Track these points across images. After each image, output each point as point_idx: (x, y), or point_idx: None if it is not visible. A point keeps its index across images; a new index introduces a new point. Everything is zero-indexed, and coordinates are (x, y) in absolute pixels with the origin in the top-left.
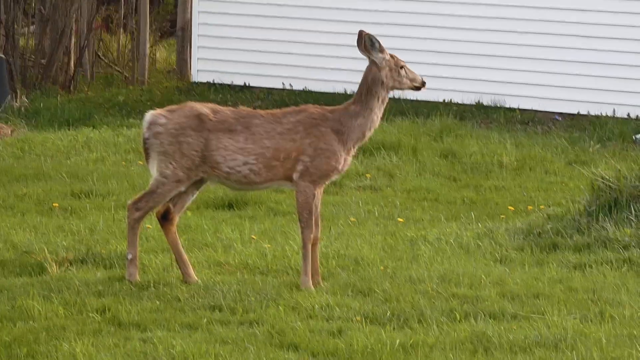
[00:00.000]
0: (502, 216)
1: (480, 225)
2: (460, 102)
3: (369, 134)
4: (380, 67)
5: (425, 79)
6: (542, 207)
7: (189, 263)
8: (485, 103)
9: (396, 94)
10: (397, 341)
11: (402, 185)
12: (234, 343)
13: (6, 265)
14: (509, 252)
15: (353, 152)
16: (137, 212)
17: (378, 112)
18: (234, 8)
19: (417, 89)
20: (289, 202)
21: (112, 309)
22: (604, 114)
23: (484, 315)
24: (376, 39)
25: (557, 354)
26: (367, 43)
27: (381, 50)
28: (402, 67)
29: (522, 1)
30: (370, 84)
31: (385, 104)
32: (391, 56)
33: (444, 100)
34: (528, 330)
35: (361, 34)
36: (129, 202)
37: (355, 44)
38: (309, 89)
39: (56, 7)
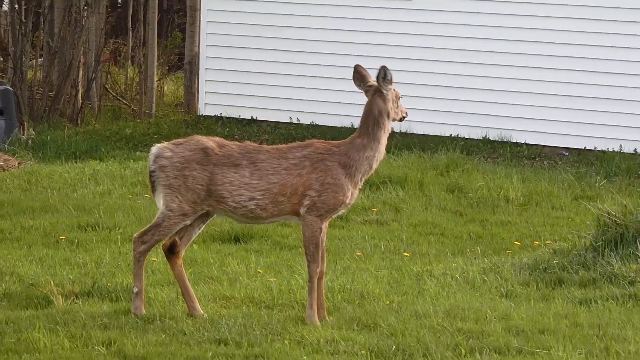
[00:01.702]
0: (508, 251)
1: (486, 260)
2: (467, 136)
3: (375, 166)
4: (386, 100)
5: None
6: (548, 242)
7: (194, 296)
8: (492, 138)
9: (402, 128)
10: None
11: (409, 220)
12: None
13: (12, 297)
14: (515, 287)
15: (360, 185)
16: (143, 245)
17: (384, 143)
18: (242, 42)
19: (402, 119)
20: (295, 236)
21: (117, 342)
22: (610, 150)
23: (489, 350)
24: (390, 72)
25: None
26: (381, 75)
27: (390, 82)
28: (399, 98)
29: (530, 36)
30: (377, 116)
31: (388, 134)
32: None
33: (451, 135)
34: None
35: (356, 69)
36: (135, 235)
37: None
38: (316, 122)
39: (64, 39)
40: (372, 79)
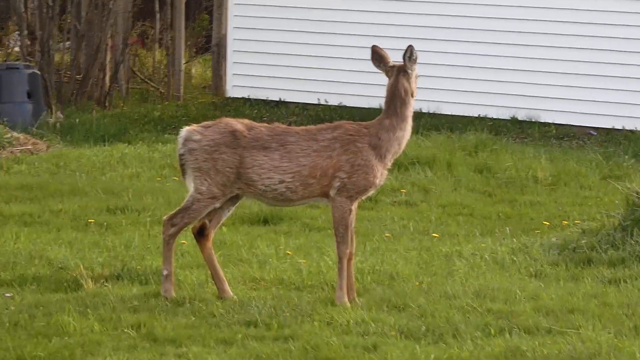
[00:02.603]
0: (537, 231)
1: (515, 240)
2: (495, 117)
3: (404, 146)
4: (410, 79)
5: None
6: (576, 222)
7: (224, 279)
8: (520, 118)
9: (431, 108)
10: (432, 356)
11: (437, 201)
12: (268, 358)
13: (42, 281)
14: (544, 267)
15: (389, 165)
16: (173, 228)
17: (411, 122)
18: (269, 24)
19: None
20: (325, 218)
21: (147, 324)
22: (638, 129)
23: (519, 330)
24: (415, 52)
25: None
26: (407, 54)
27: (415, 62)
28: (417, 77)
29: (558, 16)
30: (403, 96)
31: (412, 113)
32: None
33: (479, 115)
34: (562, 345)
35: (374, 49)
36: (165, 218)
37: (393, 58)
38: (344, 104)
39: (91, 22)
40: (391, 59)
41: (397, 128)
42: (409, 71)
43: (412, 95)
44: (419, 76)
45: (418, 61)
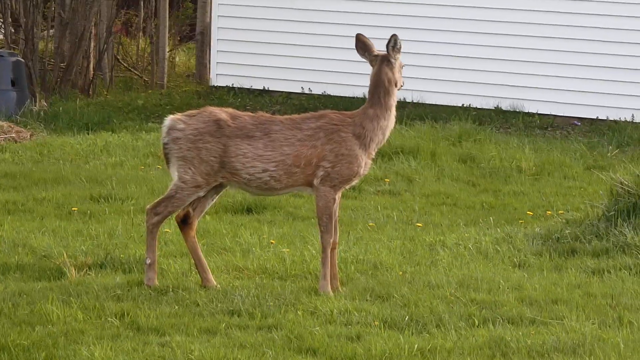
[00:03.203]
0: (520, 221)
1: (499, 230)
2: (479, 106)
3: (388, 135)
4: (394, 68)
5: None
6: (560, 212)
7: (207, 268)
8: (504, 108)
9: (415, 97)
10: (416, 346)
11: (421, 190)
12: (252, 348)
13: (25, 269)
14: (528, 257)
15: (373, 155)
16: (156, 217)
17: (394, 112)
18: (254, 12)
19: (400, 88)
20: (308, 207)
21: (130, 313)
22: (622, 119)
23: (502, 321)
24: (400, 41)
25: (575, 359)
26: (391, 44)
27: (399, 52)
28: (402, 67)
29: (542, 6)
30: (387, 85)
31: (395, 103)
32: None
33: (463, 105)
34: (546, 336)
35: (358, 37)
36: (148, 206)
37: (378, 47)
38: (328, 93)
39: (75, 10)
40: (376, 48)
41: (381, 117)
42: (393, 60)
43: (395, 85)
44: (404, 66)
45: (402, 50)
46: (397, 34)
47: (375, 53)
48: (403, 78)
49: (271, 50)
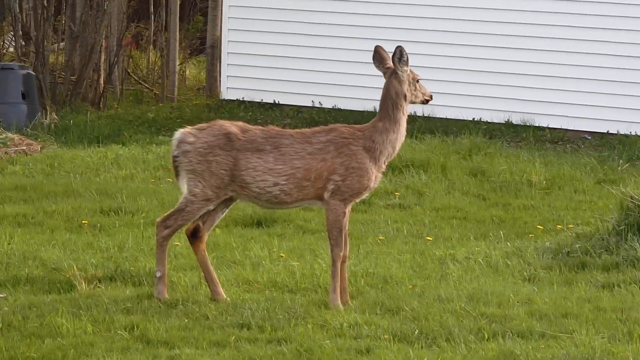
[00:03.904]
0: (530, 235)
1: (509, 244)
2: (489, 120)
3: (398, 149)
4: (402, 81)
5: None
6: (570, 226)
7: (217, 281)
8: (514, 122)
9: (425, 111)
10: (425, 359)
11: (431, 204)
12: None
13: (35, 282)
14: (538, 271)
15: (383, 168)
16: (166, 230)
17: (405, 125)
18: (264, 26)
19: (427, 102)
20: (318, 220)
21: (140, 326)
22: (633, 133)
23: (512, 335)
24: (406, 53)
25: None
26: (396, 56)
27: (407, 64)
28: (417, 80)
29: (552, 20)
30: (394, 98)
31: (406, 116)
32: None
33: (474, 119)
34: (556, 350)
35: (376, 50)
36: (158, 219)
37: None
38: (339, 107)
39: (86, 24)
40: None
41: (390, 131)
42: (400, 73)
43: (405, 98)
44: (419, 79)
45: (412, 64)
46: (402, 46)
47: (388, 66)
48: (431, 92)
49: (282, 64)
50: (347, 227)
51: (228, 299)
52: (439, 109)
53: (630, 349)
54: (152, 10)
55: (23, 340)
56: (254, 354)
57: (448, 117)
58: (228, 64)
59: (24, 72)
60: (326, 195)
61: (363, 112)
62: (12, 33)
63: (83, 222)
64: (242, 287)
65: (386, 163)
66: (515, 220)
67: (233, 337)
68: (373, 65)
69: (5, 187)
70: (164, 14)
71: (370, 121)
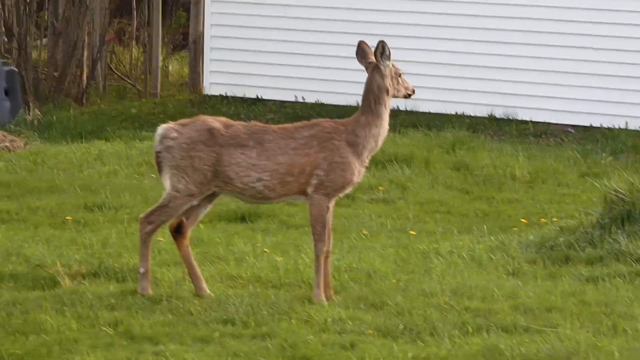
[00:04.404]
0: (514, 229)
1: (492, 238)
2: (472, 114)
3: (380, 143)
4: (384, 76)
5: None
6: (554, 219)
7: (201, 276)
8: (497, 115)
9: (408, 105)
10: (410, 354)
11: (415, 198)
12: (246, 356)
13: (19, 278)
14: (522, 265)
15: (366, 163)
16: (150, 226)
17: (387, 119)
18: (247, 21)
19: (409, 96)
20: (302, 215)
21: (124, 322)
22: (616, 127)
23: (497, 329)
24: (388, 47)
25: None
26: (379, 50)
27: (389, 58)
28: (400, 75)
29: (535, 14)
30: (377, 93)
31: (389, 111)
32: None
33: (457, 113)
34: (540, 344)
35: (360, 44)
36: (141, 215)
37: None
38: (321, 101)
39: (68, 20)
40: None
41: (373, 125)
42: (382, 67)
43: (387, 93)
44: (401, 74)
45: (395, 58)
46: (384, 40)
47: (370, 60)
48: (413, 86)
49: (264, 59)
50: (330, 222)
51: (212, 294)
52: (422, 103)
53: (615, 343)
54: (135, 5)
55: (7, 337)
56: (238, 349)
57: (431, 111)
58: (211, 59)
59: (7, 68)
60: (310, 190)
61: (346, 106)
62: None
63: (67, 218)
64: (225, 283)
65: (369, 157)
66: (499, 214)
67: (217, 333)
68: (356, 60)
69: None
70: (147, 10)
71: (353, 115)
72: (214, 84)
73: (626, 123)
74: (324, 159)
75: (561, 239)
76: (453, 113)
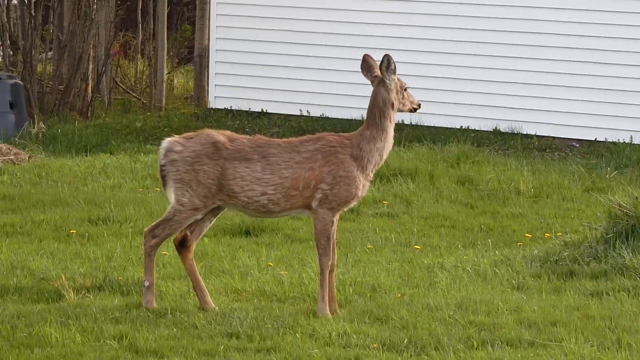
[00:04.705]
0: (519, 243)
1: (497, 252)
2: (477, 128)
3: (385, 157)
4: (389, 90)
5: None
6: (559, 234)
7: (206, 290)
8: (502, 129)
9: (413, 119)
10: None
11: (419, 212)
12: None
13: (23, 291)
14: (526, 279)
15: (371, 177)
16: (154, 239)
17: (392, 133)
18: (252, 35)
19: (415, 110)
20: (306, 229)
21: (129, 336)
22: (621, 141)
23: (501, 343)
24: (393, 61)
25: None
26: (384, 64)
27: (394, 72)
28: (405, 89)
29: (540, 28)
30: (382, 107)
31: (394, 125)
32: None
33: (461, 127)
34: (545, 358)
35: (365, 58)
36: (146, 229)
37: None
38: (326, 115)
39: (74, 33)
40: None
41: (377, 139)
42: (388, 81)
43: (392, 107)
44: (407, 88)
45: (400, 72)
46: (389, 54)
47: (375, 74)
48: (419, 100)
49: (269, 73)
50: (335, 236)
51: (217, 308)
52: (426, 117)
53: (619, 357)
54: (140, 19)
55: (12, 350)
56: None
57: (436, 125)
58: (216, 73)
59: (12, 81)
60: (314, 204)
61: (351, 120)
62: None
63: (71, 231)
64: (230, 296)
65: (374, 171)
66: (504, 229)
67: (222, 347)
68: (361, 74)
69: None
70: (152, 23)
71: (358, 130)
72: (219, 97)
73: (631, 137)
74: (328, 173)
75: (566, 254)
76: (458, 127)
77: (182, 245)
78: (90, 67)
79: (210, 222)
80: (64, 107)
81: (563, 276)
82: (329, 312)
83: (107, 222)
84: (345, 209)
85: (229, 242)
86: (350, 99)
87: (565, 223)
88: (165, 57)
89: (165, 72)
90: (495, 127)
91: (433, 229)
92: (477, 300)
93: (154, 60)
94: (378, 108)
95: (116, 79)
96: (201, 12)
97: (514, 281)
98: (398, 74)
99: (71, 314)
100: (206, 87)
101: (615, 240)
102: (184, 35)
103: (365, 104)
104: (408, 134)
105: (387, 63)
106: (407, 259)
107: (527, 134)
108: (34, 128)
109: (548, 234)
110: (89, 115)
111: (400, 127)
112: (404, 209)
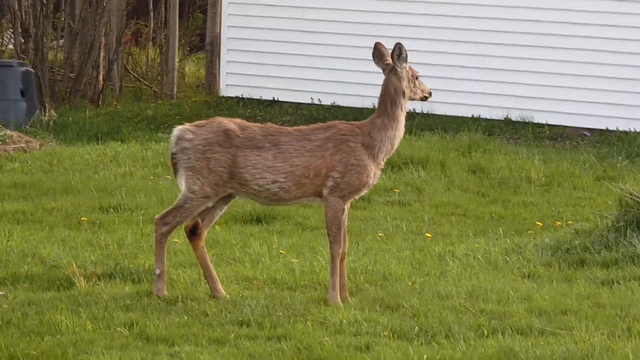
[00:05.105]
0: (530, 232)
1: (508, 240)
2: (488, 117)
3: (396, 145)
4: (401, 78)
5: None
6: (570, 222)
7: (217, 278)
8: (513, 118)
9: (424, 108)
10: (425, 356)
11: (430, 201)
12: (261, 358)
13: (34, 279)
14: (537, 267)
15: (382, 165)
16: (165, 227)
17: (403, 122)
18: (264, 23)
19: (425, 99)
20: (317, 217)
21: (140, 323)
22: (632, 130)
23: (512, 331)
24: (405, 50)
25: None
26: (396, 53)
27: (406, 61)
28: (417, 77)
29: (550, 16)
30: (393, 95)
31: (406, 113)
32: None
33: (473, 116)
34: (555, 346)
35: (376, 46)
36: (157, 216)
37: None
38: (338, 103)
39: (85, 21)
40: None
41: (389, 127)
42: (399, 70)
43: (403, 95)
44: (418, 76)
45: (411, 61)
46: (401, 42)
47: (387, 62)
48: (430, 89)
49: (281, 61)
50: (346, 224)
51: (227, 296)
52: (438, 106)
53: (630, 346)
54: (152, 7)
55: (22, 338)
56: (253, 351)
57: (447, 113)
58: (227, 61)
59: (23, 69)
60: (325, 192)
61: (362, 109)
62: (11, 30)
63: (82, 219)
64: (241, 284)
65: (385, 160)
66: (515, 217)
67: (232, 334)
68: (372, 62)
69: (4, 184)
70: (164, 11)
71: (369, 118)
72: (230, 85)
73: None
74: (339, 161)
75: (576, 242)
76: (469, 116)
77: (193, 233)
78: (102, 55)
79: (221, 210)
80: (75, 95)
81: (574, 265)
82: (339, 300)
83: (118, 209)
84: (356, 197)
85: (240, 230)
86: (362, 87)
87: (576, 212)
88: (177, 45)
89: (177, 60)
90: (507, 116)
91: (444, 217)
92: (488, 288)
93: (165, 48)
94: (389, 96)
95: (127, 67)
96: (213, 0)
97: (524, 269)
98: (409, 62)
99: (82, 301)
100: (217, 75)
101: (626, 228)
102: (195, 23)
103: (377, 92)
104: (419, 123)
105: (399, 51)
106: (418, 247)
107: (538, 122)
108: (45, 116)
109: (559, 223)
110: (100, 103)
111: (411, 115)
112: (415, 197)
